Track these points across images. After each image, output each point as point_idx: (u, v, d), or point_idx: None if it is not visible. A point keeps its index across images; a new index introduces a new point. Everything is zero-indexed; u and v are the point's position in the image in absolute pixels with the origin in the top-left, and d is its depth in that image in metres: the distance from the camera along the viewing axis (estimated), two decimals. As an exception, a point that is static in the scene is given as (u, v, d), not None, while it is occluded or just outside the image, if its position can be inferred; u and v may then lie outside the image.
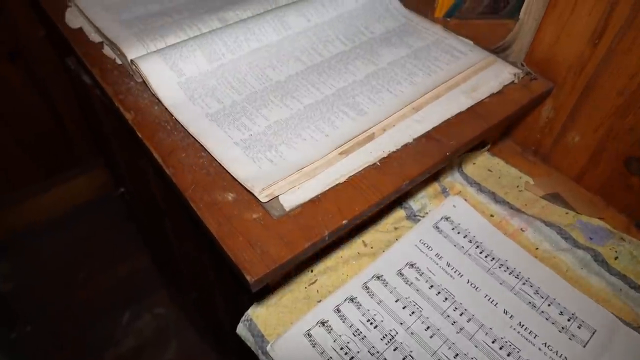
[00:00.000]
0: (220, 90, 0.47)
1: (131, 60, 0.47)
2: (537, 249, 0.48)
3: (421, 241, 0.48)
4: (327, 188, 0.40)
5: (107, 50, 0.53)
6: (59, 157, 1.18)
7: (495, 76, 0.52)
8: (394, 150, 0.43)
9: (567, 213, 0.51)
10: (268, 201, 0.38)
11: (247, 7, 0.57)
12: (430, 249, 0.48)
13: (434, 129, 0.46)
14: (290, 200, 0.39)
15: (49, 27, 0.59)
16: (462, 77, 0.51)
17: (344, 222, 0.38)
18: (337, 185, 0.40)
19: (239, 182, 0.39)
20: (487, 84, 0.51)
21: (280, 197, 0.39)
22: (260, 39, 0.52)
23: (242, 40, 0.51)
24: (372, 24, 0.58)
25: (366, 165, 0.42)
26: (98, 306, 1.18)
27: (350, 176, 0.41)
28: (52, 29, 0.60)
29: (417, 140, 0.45)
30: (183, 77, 0.47)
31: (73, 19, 0.57)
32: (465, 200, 0.52)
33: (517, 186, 0.54)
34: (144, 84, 0.47)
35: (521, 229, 0.50)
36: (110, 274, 1.22)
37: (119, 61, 0.52)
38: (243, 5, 0.57)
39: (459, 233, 0.49)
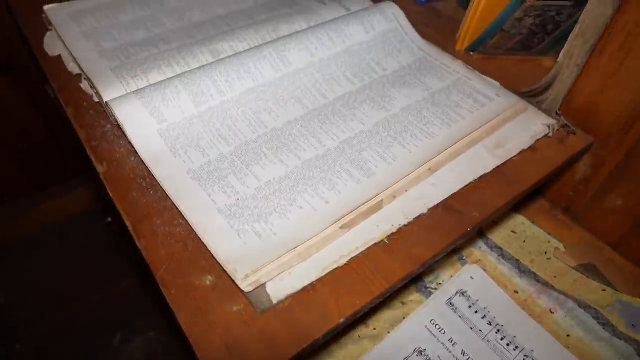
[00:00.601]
0: (206, 139, 0.41)
1: (106, 102, 0.41)
2: (568, 336, 0.41)
3: (432, 322, 0.42)
4: (323, 274, 0.33)
5: (85, 85, 0.47)
6: (53, 169, 1.13)
7: (526, 128, 0.45)
8: (405, 223, 0.37)
9: (604, 290, 0.44)
10: (252, 290, 0.32)
11: (244, 38, 0.50)
12: (443, 331, 0.41)
13: (453, 195, 0.39)
14: (279, 290, 0.32)
15: (29, 50, 0.53)
16: (487, 129, 0.45)
17: (341, 320, 0.31)
18: (335, 269, 0.34)
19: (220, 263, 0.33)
20: (516, 137, 0.44)
21: (267, 285, 0.32)
22: (256, 77, 0.46)
23: (235, 79, 0.45)
24: (384, 59, 0.52)
25: (371, 244, 0.35)
26: (89, 326, 1.13)
27: (352, 257, 0.34)
28: (31, 53, 0.54)
29: (433, 210, 0.38)
30: (164, 124, 0.41)
31: (52, 45, 0.52)
32: (485, 270, 0.45)
33: (545, 252, 0.47)
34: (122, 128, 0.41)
35: (550, 311, 0.43)
36: (103, 292, 1.17)
37: (96, 99, 0.45)
38: (239, 35, 0.50)
39: (476, 312, 0.42)
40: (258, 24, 0.52)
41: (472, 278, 0.44)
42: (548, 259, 0.47)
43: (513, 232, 0.49)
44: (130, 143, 0.40)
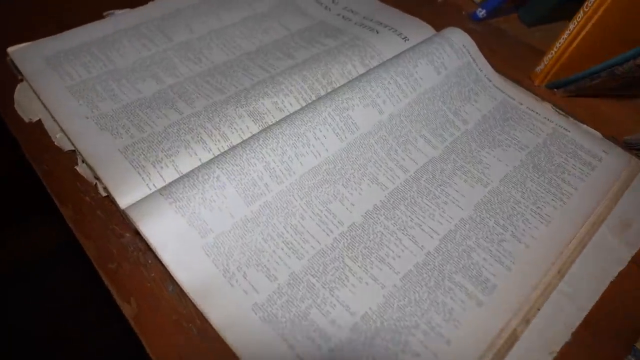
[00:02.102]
0: (268, 252, 0.30)
1: (124, 210, 0.30)
2: None
3: None
4: None
5: (84, 170, 0.35)
6: (23, 203, 0.98)
7: (653, 199, 0.36)
8: (554, 365, 0.28)
9: None
10: None
11: (289, 90, 0.39)
12: None
13: (593, 310, 0.30)
14: None
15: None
16: (607, 204, 0.36)
17: None
18: None
19: None
20: (645, 215, 0.35)
21: None
22: (318, 150, 0.35)
23: (292, 157, 0.34)
24: (462, 107, 0.42)
25: (521, 406, 0.26)
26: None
27: None
28: (-2, 113, 0.41)
29: (577, 334, 0.29)
30: (210, 236, 0.30)
31: (26, 105, 0.39)
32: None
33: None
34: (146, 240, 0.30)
35: None
36: (88, 338, 1.05)
37: (102, 192, 0.34)
38: (282, 85, 0.39)
39: None
40: (301, 67, 0.41)
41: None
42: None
43: None
44: (163, 263, 0.29)
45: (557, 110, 0.43)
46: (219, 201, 0.30)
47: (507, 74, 0.47)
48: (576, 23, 0.40)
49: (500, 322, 0.29)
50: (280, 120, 0.35)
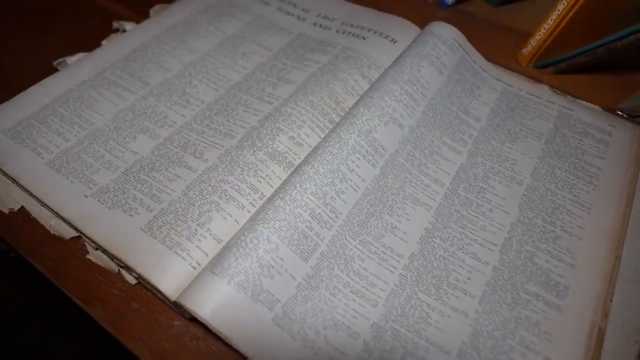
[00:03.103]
0: (340, 306, 0.28)
1: (176, 302, 0.26)
2: None
3: None
4: None
5: (99, 257, 0.30)
6: None
7: (666, 165, 0.38)
8: (644, 354, 0.28)
9: None
10: None
11: (302, 121, 0.36)
12: None
13: (659, 287, 0.31)
14: None
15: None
16: (629, 178, 0.37)
17: None
18: None
19: None
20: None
21: None
22: (357, 183, 0.33)
23: (334, 196, 0.31)
24: (469, 104, 0.41)
25: (631, 404, 0.26)
26: None
27: None
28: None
29: (653, 318, 0.30)
30: (277, 306, 0.27)
31: (0, 192, 0.33)
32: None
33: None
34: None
35: None
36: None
37: (130, 278, 0.29)
38: (291, 117, 0.36)
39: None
40: (304, 91, 0.38)
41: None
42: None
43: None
44: (234, 347, 0.26)
45: (555, 90, 0.44)
46: (276, 265, 0.28)
47: (494, 59, 0.47)
48: (565, 4, 0.40)
49: (584, 324, 0.29)
50: (308, 157, 0.33)
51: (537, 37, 0.44)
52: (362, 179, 0.33)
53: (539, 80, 0.45)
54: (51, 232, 0.31)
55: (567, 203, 0.35)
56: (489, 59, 0.46)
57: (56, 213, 0.31)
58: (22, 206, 0.32)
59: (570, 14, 0.41)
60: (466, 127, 0.39)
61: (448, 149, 0.38)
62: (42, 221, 0.32)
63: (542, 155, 0.38)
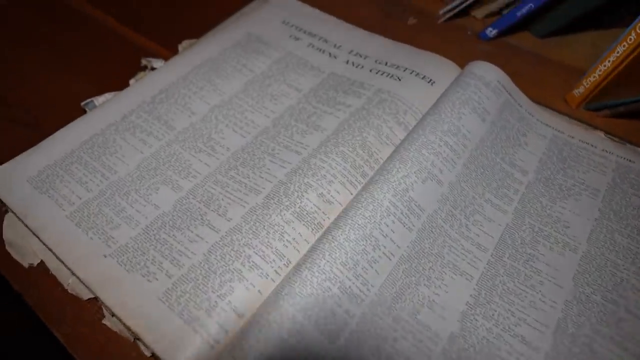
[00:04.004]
0: (370, 396, 0.25)
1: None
2: None
3: None
4: None
5: (114, 323, 0.28)
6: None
7: None
8: None
9: None
10: None
11: (333, 175, 0.33)
12: None
13: None
14: None
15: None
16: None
17: None
18: None
19: None
20: None
21: None
22: (390, 250, 0.30)
23: (366, 266, 0.28)
24: (514, 155, 0.38)
25: None
26: None
27: None
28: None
29: None
30: (301, 397, 0.24)
31: (21, 243, 0.32)
32: None
33: None
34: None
35: None
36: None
37: (146, 351, 0.27)
38: (321, 170, 0.33)
39: None
40: (335, 141, 0.36)
41: None
42: None
43: None
44: None
45: (611, 137, 0.40)
46: (299, 347, 0.25)
47: (540, 99, 0.43)
48: (626, 45, 0.37)
49: None
50: (338, 220, 0.30)
51: (592, 79, 0.40)
52: (397, 246, 0.30)
53: (592, 125, 0.41)
54: (69, 291, 0.30)
55: (632, 277, 0.31)
56: (534, 100, 0.43)
57: (72, 272, 0.29)
58: (41, 260, 0.31)
59: (633, 56, 0.37)
60: (511, 182, 0.36)
61: (492, 207, 0.34)
62: (60, 279, 0.30)
63: (600, 216, 0.34)
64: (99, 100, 0.41)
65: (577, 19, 0.46)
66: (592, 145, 0.39)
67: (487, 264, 0.31)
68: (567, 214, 0.34)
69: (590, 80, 0.41)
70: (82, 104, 0.41)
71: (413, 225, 0.31)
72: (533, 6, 0.43)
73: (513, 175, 0.36)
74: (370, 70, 0.43)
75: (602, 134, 0.40)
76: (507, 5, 0.49)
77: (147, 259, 0.29)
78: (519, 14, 0.44)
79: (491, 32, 0.48)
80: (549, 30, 0.50)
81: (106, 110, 0.39)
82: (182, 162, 0.36)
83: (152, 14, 0.53)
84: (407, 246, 0.30)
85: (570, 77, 0.46)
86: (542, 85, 0.45)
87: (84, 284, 0.29)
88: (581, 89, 0.42)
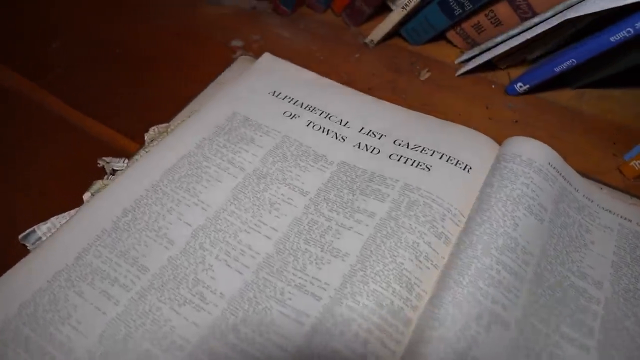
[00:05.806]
0: None
1: None
2: None
3: None
4: None
5: None
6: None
7: None
8: None
9: None
10: None
11: (365, 323, 0.25)
12: None
13: None
14: None
15: None
16: None
17: None
18: None
19: None
20: None
21: None
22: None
23: None
24: (582, 261, 0.30)
25: None
26: None
27: None
28: None
29: None
30: None
31: None
32: None
33: None
34: None
35: None
36: None
37: None
38: (354, 317, 0.25)
39: None
40: (363, 272, 0.27)
41: None
42: None
43: None
44: None
45: (686, 222, 0.33)
46: None
47: (587, 169, 0.36)
48: None
49: None
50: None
51: (657, 150, 0.33)
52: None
53: (629, 192, 0.34)
54: None
55: None
56: (582, 172, 0.35)
57: None
58: None
59: None
60: (586, 301, 0.28)
61: (570, 345, 0.27)
62: None
63: None
64: (41, 229, 0.31)
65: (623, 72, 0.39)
66: (668, 238, 0.32)
67: None
68: (666, 347, 0.27)
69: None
70: (21, 237, 0.31)
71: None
72: (575, 62, 0.36)
73: (586, 292, 0.29)
74: (390, 157, 0.34)
75: (675, 219, 0.33)
76: (538, 58, 0.41)
77: None
78: (557, 69, 0.37)
79: (521, 87, 0.41)
80: (589, 81, 0.43)
81: (53, 248, 0.29)
82: (162, 325, 0.26)
83: (108, 93, 0.43)
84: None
85: (619, 138, 0.39)
86: (587, 151, 0.38)
87: None
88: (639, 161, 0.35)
